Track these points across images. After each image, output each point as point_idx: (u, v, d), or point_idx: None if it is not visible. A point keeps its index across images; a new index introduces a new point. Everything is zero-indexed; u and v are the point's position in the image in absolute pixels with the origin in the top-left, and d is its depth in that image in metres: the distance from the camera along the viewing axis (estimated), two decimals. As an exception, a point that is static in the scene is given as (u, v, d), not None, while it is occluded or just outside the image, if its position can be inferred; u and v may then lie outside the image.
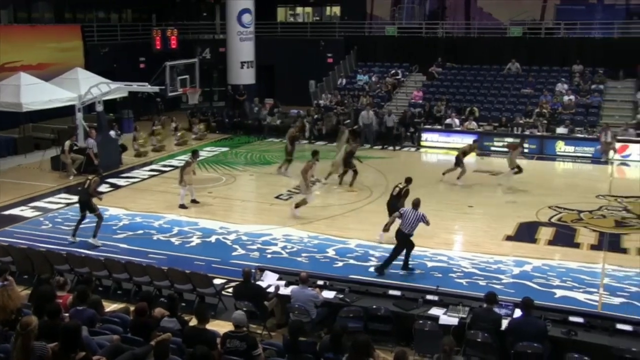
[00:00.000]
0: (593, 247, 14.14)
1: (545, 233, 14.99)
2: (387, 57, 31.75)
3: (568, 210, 16.66)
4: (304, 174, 16.08)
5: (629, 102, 26.59)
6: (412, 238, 12.39)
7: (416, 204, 12.48)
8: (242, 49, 30.84)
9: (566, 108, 26.05)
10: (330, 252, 13.69)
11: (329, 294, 10.24)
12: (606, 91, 27.37)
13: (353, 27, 33.11)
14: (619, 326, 9.21)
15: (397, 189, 14.61)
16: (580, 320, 9.45)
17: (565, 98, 26.49)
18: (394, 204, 14.22)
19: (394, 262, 12.41)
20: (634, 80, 27.49)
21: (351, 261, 13.21)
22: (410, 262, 12.56)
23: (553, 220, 15.98)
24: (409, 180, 14.61)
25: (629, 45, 28.37)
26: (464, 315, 9.38)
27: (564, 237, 14.77)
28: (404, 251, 12.44)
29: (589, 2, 32.06)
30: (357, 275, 12.02)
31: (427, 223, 12.31)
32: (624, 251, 13.93)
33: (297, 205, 16.01)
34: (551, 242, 14.48)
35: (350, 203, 17.35)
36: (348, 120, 26.35)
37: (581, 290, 11.77)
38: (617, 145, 23.00)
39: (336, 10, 36.09)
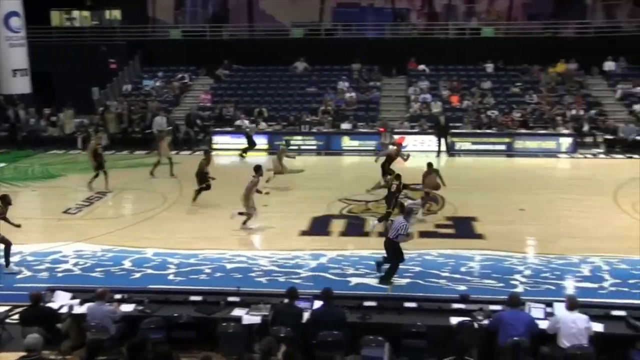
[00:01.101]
0: (381, 235, 15.06)
1: (338, 225, 15.71)
2: (172, 60, 31.28)
3: (357, 201, 17.63)
4: (248, 193, 15.26)
5: (403, 97, 28.81)
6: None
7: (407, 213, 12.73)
8: (13, 56, 28.54)
9: (349, 105, 27.56)
10: (127, 264, 13.20)
11: (127, 307, 9.86)
12: (383, 87, 29.42)
13: (135, 31, 32.12)
14: (407, 304, 10.00)
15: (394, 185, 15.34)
16: (373, 304, 10.08)
17: (347, 95, 28.02)
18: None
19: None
20: (405, 77, 29.88)
21: (149, 271, 12.84)
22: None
23: (344, 212, 16.81)
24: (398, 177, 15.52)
25: (398, 44, 30.80)
26: (267, 313, 9.55)
27: (355, 227, 15.61)
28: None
29: (361, 5, 34.17)
30: (156, 284, 11.72)
31: (406, 235, 12.19)
32: (407, 235, 14.99)
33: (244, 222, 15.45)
34: (343, 234, 15.22)
35: (144, 212, 16.86)
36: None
37: (373, 275, 12.49)
38: (396, 137, 24.78)
39: (116, 14, 34.74)
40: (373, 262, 12.83)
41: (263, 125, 25.91)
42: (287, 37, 31.90)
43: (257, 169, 15.79)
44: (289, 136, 24.94)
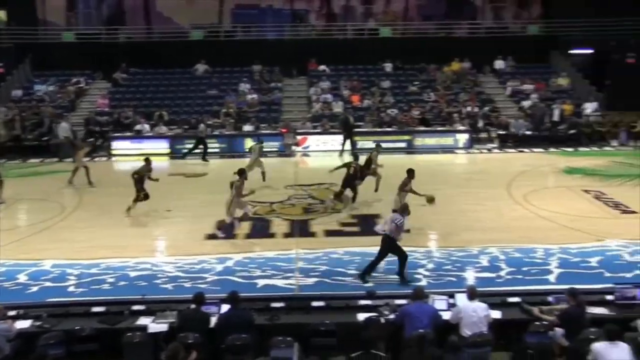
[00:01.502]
0: (286, 235, 15.14)
1: (244, 228, 15.62)
2: (66, 64, 30.14)
3: (261, 203, 17.59)
4: (238, 197, 14.74)
5: (304, 97, 29.02)
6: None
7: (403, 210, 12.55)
8: None
9: (250, 106, 27.48)
10: (22, 278, 12.56)
11: (23, 324, 9.43)
12: (284, 88, 29.53)
13: (24, 33, 30.69)
14: (314, 304, 10.10)
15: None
16: (281, 304, 10.12)
17: (249, 97, 27.94)
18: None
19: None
20: (306, 78, 30.11)
21: (47, 284, 12.27)
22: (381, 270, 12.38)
23: (249, 214, 16.71)
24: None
25: (298, 45, 31.00)
26: (173, 320, 9.38)
27: (261, 229, 15.58)
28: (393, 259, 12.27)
29: (260, 6, 34.09)
30: (55, 297, 11.25)
31: (399, 229, 12.09)
32: (313, 235, 15.15)
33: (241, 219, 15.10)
34: (249, 236, 15.15)
35: (40, 222, 16.13)
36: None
37: (280, 276, 12.50)
38: (298, 137, 24.96)
39: (1, 14, 33.03)
40: (279, 263, 12.86)
41: (164, 129, 25.42)
42: (187, 39, 31.43)
43: (242, 172, 15.38)
44: (190, 140, 24.62)
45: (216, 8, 34.23)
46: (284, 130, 25.40)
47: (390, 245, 12.00)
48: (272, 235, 15.14)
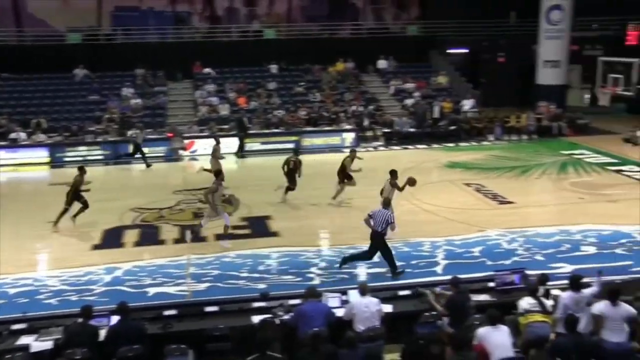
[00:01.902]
0: (177, 241, 14.86)
1: (131, 235, 15.20)
2: None
3: (150, 209, 17.18)
4: (211, 200, 14.04)
5: (190, 101, 28.58)
6: None
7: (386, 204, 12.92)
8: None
9: (134, 111, 26.73)
10: None
11: None
12: (169, 92, 28.94)
13: None
14: (208, 309, 9.99)
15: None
16: (173, 312, 9.93)
17: (132, 102, 27.16)
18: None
19: None
20: (191, 81, 29.68)
21: None
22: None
23: (137, 221, 16.30)
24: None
25: (182, 48, 30.52)
26: (59, 336, 8.98)
27: (149, 236, 15.21)
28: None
29: (141, 8, 33.22)
30: None
31: (392, 226, 12.28)
32: (204, 239, 14.96)
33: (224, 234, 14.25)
34: (138, 244, 14.75)
35: None
36: None
37: (172, 283, 12.28)
38: (186, 142, 24.54)
39: None
40: (170, 270, 12.62)
41: (42, 137, 24.25)
42: (63, 43, 30.10)
43: (218, 173, 15.01)
44: (72, 147, 23.68)
45: (94, 10, 33.03)
46: (170, 134, 24.89)
47: (380, 241, 12.21)
48: (161, 242, 14.82)
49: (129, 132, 24.64)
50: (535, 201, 17.11)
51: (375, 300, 9.40)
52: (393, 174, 14.97)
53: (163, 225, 15.91)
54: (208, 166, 18.64)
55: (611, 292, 8.52)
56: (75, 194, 15.80)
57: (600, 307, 8.49)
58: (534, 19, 29.87)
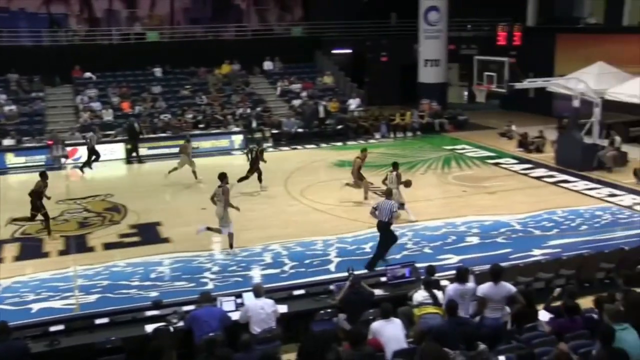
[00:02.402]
0: (62, 253, 14.24)
1: (11, 250, 14.42)
2: None
3: (30, 221, 16.30)
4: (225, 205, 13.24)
5: (70, 106, 27.42)
6: None
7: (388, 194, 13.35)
8: None
9: (9, 119, 25.33)
10: None
11: None
12: (47, 98, 27.64)
13: None
14: (98, 321, 9.63)
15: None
16: (61, 327, 9.49)
17: (7, 108, 25.74)
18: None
19: None
20: (71, 86, 28.49)
21: None
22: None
23: (17, 235, 15.47)
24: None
25: (59, 51, 29.22)
26: None
27: (32, 249, 14.47)
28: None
29: (10, 9, 31.49)
30: None
31: (393, 215, 12.83)
32: (91, 249, 14.43)
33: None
34: (19, 258, 14.01)
35: None
36: None
37: (57, 297, 11.77)
38: (68, 149, 23.51)
39: None
40: (56, 284, 12.10)
41: None
42: None
43: (222, 177, 13.97)
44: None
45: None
46: (49, 142, 23.77)
47: (388, 230, 12.83)
48: (45, 255, 14.13)
49: (4, 141, 23.35)
50: (422, 196, 17.70)
51: (270, 301, 9.41)
52: (395, 166, 16.03)
53: (46, 237, 15.17)
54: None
55: (494, 273, 9.00)
56: (39, 200, 15.17)
57: (484, 289, 8.95)
58: (413, 20, 30.90)
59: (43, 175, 15.69)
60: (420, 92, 30.56)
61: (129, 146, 23.94)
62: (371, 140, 26.48)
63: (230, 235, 13.82)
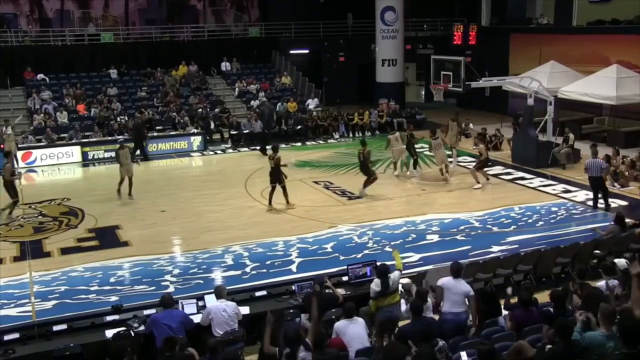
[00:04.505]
0: (17, 259, 13.92)
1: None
2: None
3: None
4: None
5: (23, 109, 26.81)
6: None
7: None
8: None
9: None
10: None
11: None
12: (-1, 100, 27.00)
13: None
14: (55, 328, 9.43)
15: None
16: (15, 336, 9.27)
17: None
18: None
19: None
20: (23, 88, 27.87)
21: None
22: None
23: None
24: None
25: (9, 52, 28.57)
26: None
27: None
28: None
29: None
30: None
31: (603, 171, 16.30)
32: (48, 254, 14.13)
33: None
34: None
35: None
36: None
37: (13, 305, 11.49)
38: (20, 153, 22.97)
39: None
40: (11, 291, 11.82)
41: None
42: None
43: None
44: None
45: None
46: (1, 145, 23.19)
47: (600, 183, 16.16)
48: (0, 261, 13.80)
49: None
50: (382, 195, 17.82)
51: (232, 303, 9.36)
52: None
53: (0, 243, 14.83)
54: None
55: (454, 270, 9.16)
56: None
57: (444, 280, 9.13)
58: (370, 20, 31.11)
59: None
60: (378, 92, 30.78)
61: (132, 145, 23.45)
62: (330, 140, 26.55)
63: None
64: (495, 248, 13.56)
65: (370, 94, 31.42)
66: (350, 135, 27.19)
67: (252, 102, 29.03)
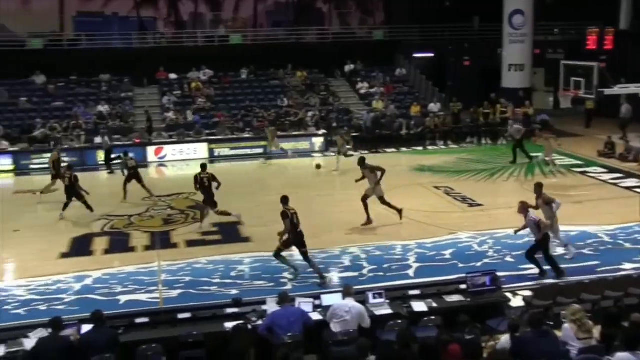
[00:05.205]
0: (148, 248, 14.70)
1: (101, 243, 15.00)
2: None
3: (119, 217, 16.97)
4: None
5: (157, 107, 28.30)
6: None
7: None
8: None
9: (101, 118, 26.37)
10: None
11: None
12: (135, 98, 28.63)
13: None
14: (180, 316, 9.88)
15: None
16: (146, 320, 9.80)
17: (99, 108, 26.82)
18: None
19: None
20: (158, 87, 29.41)
21: None
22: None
23: (106, 229, 16.09)
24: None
25: (147, 54, 30.21)
26: (23, 348, 8.76)
27: (119, 243, 15.01)
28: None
29: (105, 14, 32.88)
30: None
31: None
32: (175, 246, 14.83)
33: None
34: (108, 251, 14.56)
35: None
36: None
37: (143, 291, 12.15)
38: (153, 148, 24.29)
39: None
40: (142, 277, 12.49)
41: (4, 144, 23.78)
42: (24, 49, 29.54)
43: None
44: (37, 155, 23.30)
45: (56, 16, 32.59)
46: (137, 140, 24.65)
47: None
48: (132, 249, 14.64)
49: (96, 139, 24.35)
50: (504, 203, 17.26)
51: (359, 305, 9.33)
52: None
53: (133, 232, 15.72)
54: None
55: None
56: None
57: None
58: (497, 23, 30.28)
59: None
60: (504, 97, 29.87)
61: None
62: (452, 146, 26.10)
63: None
64: (627, 265, 12.79)
65: (495, 99, 30.56)
66: (476, 141, 26.57)
67: (374, 104, 28.94)
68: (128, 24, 33.28)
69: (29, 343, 8.80)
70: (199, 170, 16.31)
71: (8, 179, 22.38)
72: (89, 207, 16.80)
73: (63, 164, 19.24)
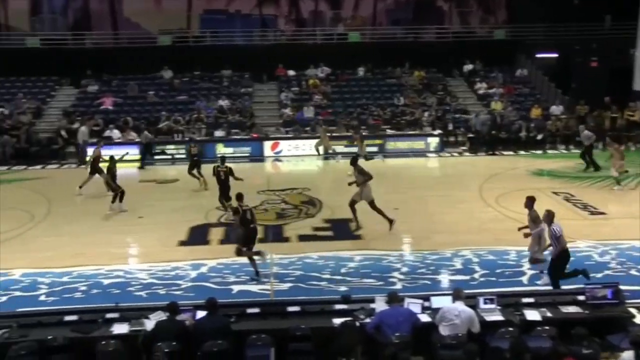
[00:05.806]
0: (260, 241, 15.01)
1: (217, 233, 15.51)
2: (31, 71, 29.47)
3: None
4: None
5: (275, 102, 28.95)
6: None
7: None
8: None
9: (221, 112, 27.31)
10: (-9, 288, 12.31)
11: (-7, 334, 9.18)
12: (254, 94, 29.42)
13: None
14: (290, 309, 10.04)
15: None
16: (256, 310, 10.05)
17: (219, 102, 27.78)
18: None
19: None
20: (276, 83, 30.07)
21: (17, 293, 12.04)
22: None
23: (222, 220, 16.63)
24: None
25: (267, 51, 30.94)
26: (144, 328, 9.21)
27: (234, 234, 15.45)
28: None
29: (229, 11, 33.96)
30: (26, 307, 11.01)
31: None
32: (287, 240, 15.11)
33: None
34: (223, 241, 15.04)
35: (7, 231, 15.78)
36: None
37: (255, 282, 12.47)
38: (269, 143, 24.88)
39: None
40: (253, 270, 12.82)
41: (133, 135, 25.15)
42: (155, 45, 31.11)
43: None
44: (161, 146, 24.48)
45: (184, 13, 34.05)
46: (255, 135, 25.34)
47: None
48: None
49: (216, 133, 25.26)
50: (629, 213, 16.32)
51: (469, 310, 9.12)
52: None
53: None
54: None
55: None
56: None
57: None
58: (631, 22, 28.58)
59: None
60: (634, 101, 28.21)
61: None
62: (574, 150, 24.97)
63: None
64: None
65: (622, 102, 28.89)
66: (601, 145, 25.29)
67: (492, 105, 28.22)
68: (250, 21, 34.25)
69: (149, 324, 9.26)
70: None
71: (135, 168, 23.59)
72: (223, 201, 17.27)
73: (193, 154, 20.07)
